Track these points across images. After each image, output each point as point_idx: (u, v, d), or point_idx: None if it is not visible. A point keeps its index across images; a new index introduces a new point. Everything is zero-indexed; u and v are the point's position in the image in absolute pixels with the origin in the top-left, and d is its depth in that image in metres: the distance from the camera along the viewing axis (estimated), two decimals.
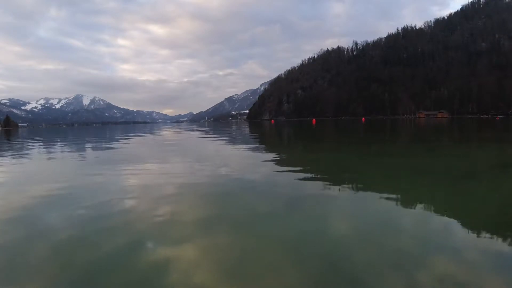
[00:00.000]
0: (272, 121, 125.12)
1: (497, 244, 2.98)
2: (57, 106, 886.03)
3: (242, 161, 9.38)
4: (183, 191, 5.34)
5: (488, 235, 3.18)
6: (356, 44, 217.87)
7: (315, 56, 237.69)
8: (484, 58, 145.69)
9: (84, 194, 5.27)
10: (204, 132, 34.85)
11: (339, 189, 5.34)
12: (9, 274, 2.58)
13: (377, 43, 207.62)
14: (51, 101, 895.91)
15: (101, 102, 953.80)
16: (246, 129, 40.59)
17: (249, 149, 13.36)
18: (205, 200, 4.77)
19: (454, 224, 3.49)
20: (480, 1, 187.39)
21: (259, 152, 12.24)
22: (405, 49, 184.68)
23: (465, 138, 17.70)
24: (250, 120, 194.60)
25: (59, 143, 21.71)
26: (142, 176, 7.04)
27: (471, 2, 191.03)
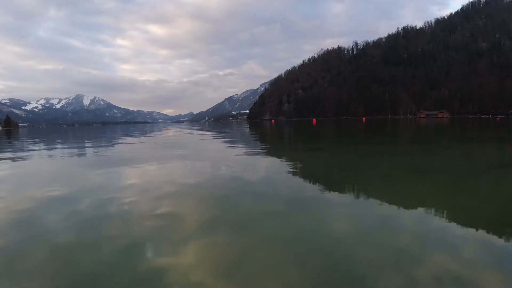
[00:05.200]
0: (273, 121, 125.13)
1: (498, 244, 2.97)
2: (58, 106, 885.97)
3: (242, 161, 9.38)
4: (183, 191, 5.35)
5: (488, 235, 3.17)
6: (357, 44, 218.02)
7: (316, 56, 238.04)
8: (485, 58, 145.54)
9: (84, 195, 5.28)
10: (204, 132, 34.87)
11: (339, 189, 5.35)
12: (9, 275, 2.56)
13: (378, 43, 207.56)
14: (51, 101, 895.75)
15: (102, 102, 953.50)
16: (247, 129, 40.61)
17: (249, 148, 13.36)
18: (205, 201, 4.78)
19: (454, 224, 3.48)
20: (481, 1, 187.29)
21: (259, 151, 12.25)
22: (405, 49, 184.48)
23: (466, 138, 17.68)
24: (250, 120, 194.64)
25: (59, 143, 21.73)
26: (142, 176, 7.04)
27: (472, 2, 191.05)
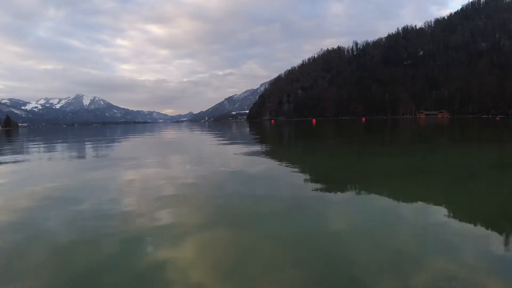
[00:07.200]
0: (273, 121, 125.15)
1: (497, 244, 2.97)
2: (57, 106, 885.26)
3: (242, 160, 9.37)
4: (183, 190, 5.34)
5: (488, 235, 3.18)
6: (356, 44, 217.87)
7: (315, 56, 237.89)
8: (485, 58, 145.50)
9: (83, 195, 5.27)
10: (204, 131, 34.87)
11: (339, 189, 5.34)
12: (9, 275, 2.56)
13: (378, 43, 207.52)
14: (51, 101, 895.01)
15: (101, 102, 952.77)
16: (247, 130, 40.61)
17: (249, 148, 13.34)
18: (204, 200, 4.77)
19: (454, 225, 3.48)
20: (481, 1, 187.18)
21: (259, 151, 12.23)
22: (405, 49, 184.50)
23: (465, 138, 17.68)
24: (250, 120, 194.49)
25: (59, 143, 21.72)
26: (141, 175, 7.03)
27: (471, 2, 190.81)
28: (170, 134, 31.90)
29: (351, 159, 9.65)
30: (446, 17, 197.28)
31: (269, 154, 11.45)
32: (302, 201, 4.61)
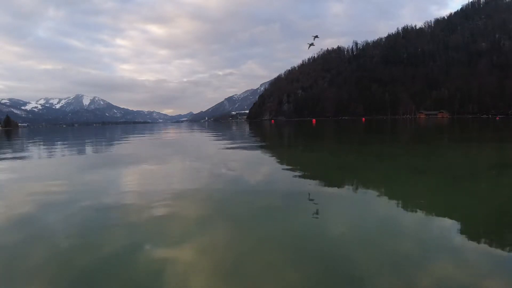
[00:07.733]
0: (273, 121, 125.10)
1: (497, 244, 2.95)
2: (57, 106, 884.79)
3: (242, 160, 9.38)
4: (183, 190, 5.35)
5: (487, 235, 3.18)
6: (356, 44, 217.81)
7: (315, 56, 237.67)
8: (485, 58, 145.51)
9: (83, 195, 5.28)
10: (205, 131, 34.89)
11: (339, 189, 5.36)
12: (9, 275, 2.56)
13: (377, 43, 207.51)
14: (51, 101, 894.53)
15: (101, 102, 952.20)
16: (247, 129, 40.61)
17: (249, 148, 13.36)
18: (204, 200, 4.78)
19: (453, 224, 3.47)
20: (480, 1, 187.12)
21: (259, 151, 12.25)
22: (405, 49, 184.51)
23: (465, 138, 17.69)
24: (250, 120, 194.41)
25: (59, 143, 21.73)
26: (141, 175, 7.04)
27: (471, 2, 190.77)
28: (170, 134, 31.90)
29: (351, 159, 9.66)
30: (446, 17, 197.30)
31: (269, 153, 11.46)
32: (302, 201, 4.63)
